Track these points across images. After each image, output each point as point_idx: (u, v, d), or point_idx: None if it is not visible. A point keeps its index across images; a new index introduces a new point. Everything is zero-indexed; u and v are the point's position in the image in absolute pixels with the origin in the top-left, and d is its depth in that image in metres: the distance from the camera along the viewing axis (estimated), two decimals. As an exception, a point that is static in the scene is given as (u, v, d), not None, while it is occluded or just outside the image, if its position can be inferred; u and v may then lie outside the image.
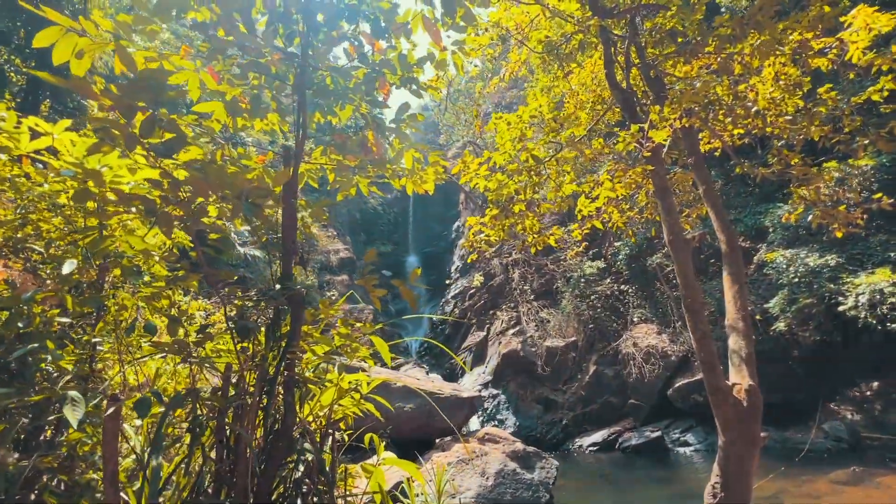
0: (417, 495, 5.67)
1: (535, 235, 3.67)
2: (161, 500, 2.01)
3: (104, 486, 1.54)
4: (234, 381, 2.23)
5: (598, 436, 14.07)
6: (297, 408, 2.24)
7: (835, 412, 11.39)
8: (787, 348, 11.90)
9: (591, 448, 13.89)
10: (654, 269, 15.32)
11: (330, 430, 2.49)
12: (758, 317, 11.17)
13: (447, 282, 29.28)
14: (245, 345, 2.21)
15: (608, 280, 16.68)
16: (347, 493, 2.71)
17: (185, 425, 2.40)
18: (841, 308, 8.20)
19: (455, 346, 22.91)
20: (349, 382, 2.66)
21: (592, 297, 16.27)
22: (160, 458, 1.76)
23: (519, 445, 8.89)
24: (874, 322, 7.94)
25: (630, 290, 15.93)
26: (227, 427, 2.02)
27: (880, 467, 8.76)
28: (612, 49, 3.17)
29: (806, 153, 12.82)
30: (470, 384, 18.89)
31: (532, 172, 3.32)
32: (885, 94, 3.65)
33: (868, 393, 11.08)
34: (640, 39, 3.18)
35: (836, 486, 8.19)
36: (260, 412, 2.11)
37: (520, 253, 21.82)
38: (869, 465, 8.92)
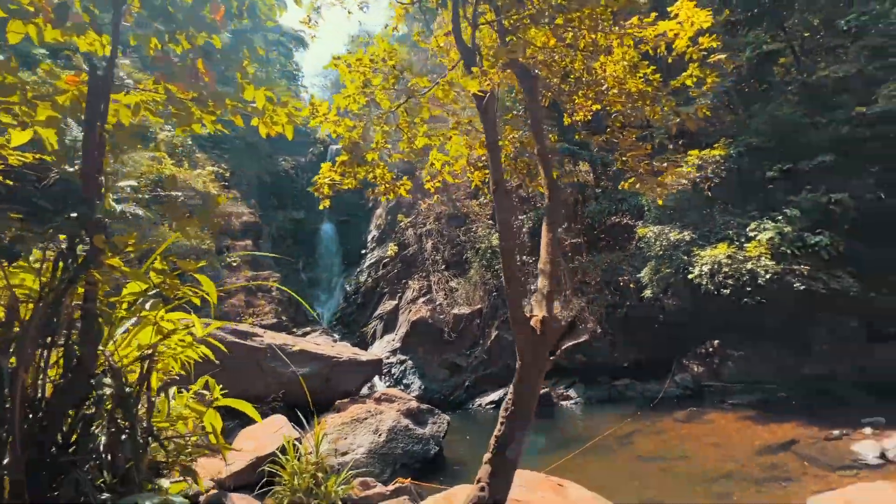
0: (303, 454, 5.73)
1: (387, 185, 3.77)
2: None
3: None
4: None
5: (496, 395, 15.16)
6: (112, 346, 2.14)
7: (686, 366, 13.43)
8: (654, 313, 13.69)
9: (489, 406, 14.95)
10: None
11: (150, 370, 2.42)
12: (632, 285, 12.63)
13: (363, 251, 28.91)
14: (19, 272, 2.04)
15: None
16: (175, 433, 2.68)
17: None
18: (689, 276, 9.60)
19: (368, 315, 22.95)
20: (180, 325, 2.58)
21: (498, 266, 17.15)
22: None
23: (413, 404, 9.31)
24: (713, 288, 9.44)
25: (531, 262, 17.04)
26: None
27: (711, 408, 10.60)
28: (463, 7, 3.29)
29: (686, 143, 14.30)
30: (379, 351, 19.16)
31: (381, 120, 3.37)
32: (695, 79, 4.25)
33: (710, 350, 13.20)
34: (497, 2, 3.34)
35: (676, 423, 9.78)
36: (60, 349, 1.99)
37: (434, 223, 22.18)
38: (704, 407, 10.76)
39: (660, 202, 4.96)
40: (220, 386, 4.04)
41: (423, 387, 16.61)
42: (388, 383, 17.22)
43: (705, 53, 3.89)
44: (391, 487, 5.18)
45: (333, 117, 3.11)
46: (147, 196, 17.45)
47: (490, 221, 19.34)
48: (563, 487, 4.05)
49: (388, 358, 18.51)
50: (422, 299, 19.07)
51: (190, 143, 23.38)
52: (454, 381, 16.57)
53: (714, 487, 6.33)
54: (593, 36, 3.65)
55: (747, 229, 9.39)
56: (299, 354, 9.15)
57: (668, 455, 7.93)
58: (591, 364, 14.09)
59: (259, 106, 2.74)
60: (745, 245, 9.14)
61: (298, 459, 5.37)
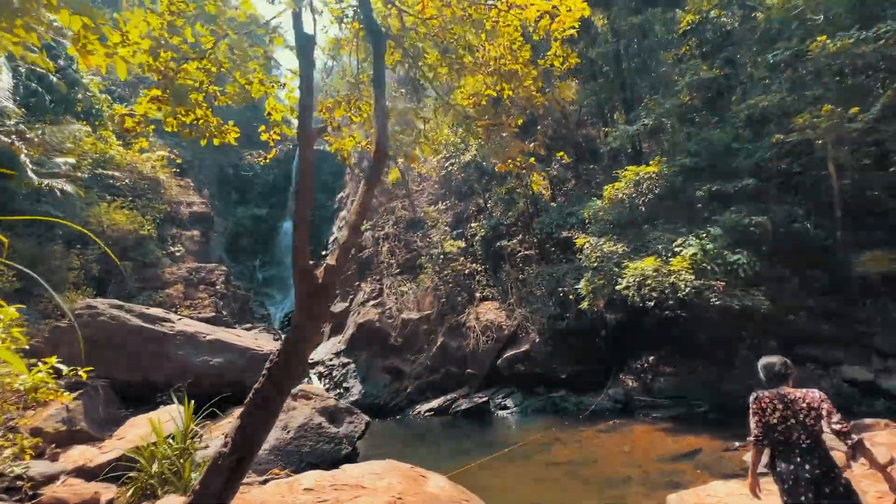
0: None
1: (212, 130, 3.59)
2: None
3: None
4: None
5: (436, 402, 14.93)
6: None
7: (621, 381, 13.58)
8: (594, 326, 13.85)
9: (427, 413, 14.68)
10: (502, 251, 16.61)
11: None
12: (571, 297, 12.75)
13: (323, 252, 28.39)
14: None
15: (466, 259, 17.65)
16: None
17: None
18: (617, 287, 9.74)
19: (318, 317, 22.41)
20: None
21: (449, 273, 17.08)
22: None
23: (331, 402, 9.00)
24: (639, 300, 9.60)
25: (481, 270, 17.06)
26: None
27: (635, 421, 10.70)
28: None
29: (630, 160, 14.65)
30: (324, 353, 18.67)
31: (196, 56, 3.21)
32: (560, 59, 4.31)
33: (645, 365, 13.41)
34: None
35: (597, 433, 9.81)
36: None
37: (392, 227, 21.99)
38: (628, 420, 10.85)
39: (534, 186, 4.92)
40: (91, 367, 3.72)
41: (363, 391, 16.22)
42: (327, 386, 16.74)
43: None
44: (263, 478, 4.89)
45: (147, 46, 2.88)
46: (86, 175, 16.67)
47: (446, 228, 19.34)
48: (424, 479, 3.89)
49: (330, 360, 18.04)
50: (372, 302, 18.76)
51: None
52: (395, 386, 16.25)
53: (609, 491, 6.32)
54: (471, 10, 3.65)
55: (674, 245, 9.63)
56: (213, 344, 8.74)
57: (578, 461, 7.91)
58: (531, 374, 14.07)
59: (74, 29, 2.50)
60: (670, 259, 9.36)
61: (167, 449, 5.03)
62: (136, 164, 18.96)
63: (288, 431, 7.90)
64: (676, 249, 9.51)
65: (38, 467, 4.72)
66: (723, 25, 13.94)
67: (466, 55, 3.80)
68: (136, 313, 8.26)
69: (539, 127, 17.79)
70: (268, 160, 4.64)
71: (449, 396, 14.99)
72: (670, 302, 9.26)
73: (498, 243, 16.79)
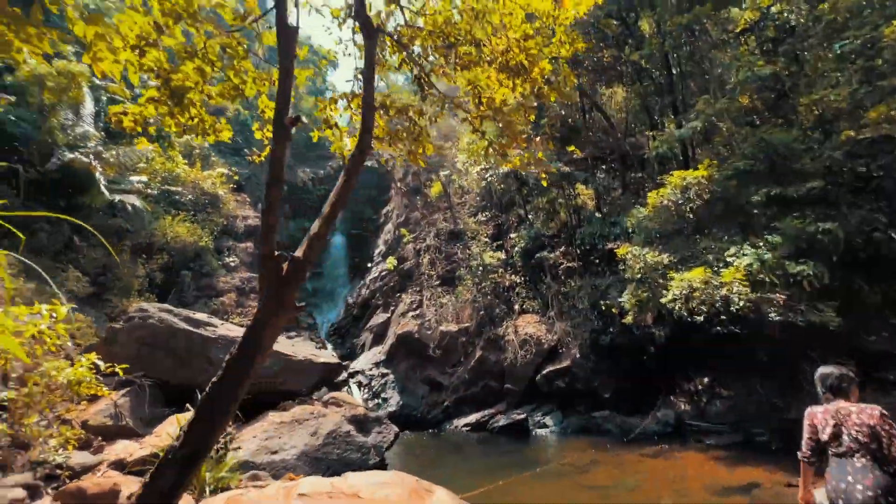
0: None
1: (209, 128, 3.65)
2: None
3: None
4: None
5: (473, 417, 14.60)
6: None
7: (671, 402, 12.58)
8: (641, 343, 12.99)
9: (464, 427, 14.38)
10: (543, 263, 16.12)
11: None
12: (614, 310, 12.07)
13: (369, 265, 29.05)
14: None
15: (505, 271, 17.32)
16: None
17: None
18: (662, 300, 9.06)
19: (361, 327, 22.81)
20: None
21: (488, 285, 16.82)
22: None
23: (360, 410, 9.01)
24: (687, 315, 8.85)
25: (521, 282, 16.64)
26: None
27: (685, 447, 9.81)
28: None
29: (680, 167, 13.86)
30: (364, 363, 18.91)
31: (188, 54, 3.26)
32: (567, 47, 4.02)
33: (699, 386, 12.35)
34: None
35: (641, 457, 9.07)
36: None
37: (434, 239, 22.10)
38: (678, 445, 9.97)
39: (543, 182, 4.63)
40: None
41: (401, 402, 16.18)
42: (365, 396, 16.89)
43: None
44: (280, 483, 4.91)
45: (133, 42, 2.93)
46: (156, 191, 18.22)
47: (486, 239, 19.11)
48: (430, 493, 3.69)
49: (370, 370, 18.22)
50: (412, 313, 18.82)
51: (207, 146, 24.39)
52: (433, 398, 16.07)
53: (646, 523, 5.75)
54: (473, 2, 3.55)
55: (726, 254, 8.84)
56: (251, 349, 9.07)
57: (616, 486, 7.31)
58: (571, 391, 13.40)
59: (88, 38, 2.66)
60: (721, 271, 8.59)
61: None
62: (198, 181, 20.47)
63: (317, 438, 7.98)
64: (729, 259, 8.72)
65: (79, 458, 5.04)
66: (786, 21, 12.91)
67: (472, 49, 3.71)
68: (182, 317, 8.77)
69: (545, 119, 17.29)
70: (262, 158, 4.71)
71: (487, 412, 14.60)
72: (722, 317, 8.46)
73: (538, 255, 16.34)
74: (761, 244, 8.58)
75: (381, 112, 3.79)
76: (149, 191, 17.27)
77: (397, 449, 12.17)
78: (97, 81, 16.68)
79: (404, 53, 3.82)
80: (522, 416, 13.59)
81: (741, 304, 7.97)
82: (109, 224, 14.90)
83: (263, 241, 2.96)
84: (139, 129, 3.50)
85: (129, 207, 15.02)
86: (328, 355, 10.68)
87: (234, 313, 17.34)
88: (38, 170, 11.99)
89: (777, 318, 7.91)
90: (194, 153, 23.49)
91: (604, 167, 19.23)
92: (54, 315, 5.13)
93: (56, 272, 11.76)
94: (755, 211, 9.17)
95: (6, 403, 4.80)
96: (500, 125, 3.90)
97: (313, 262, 3.26)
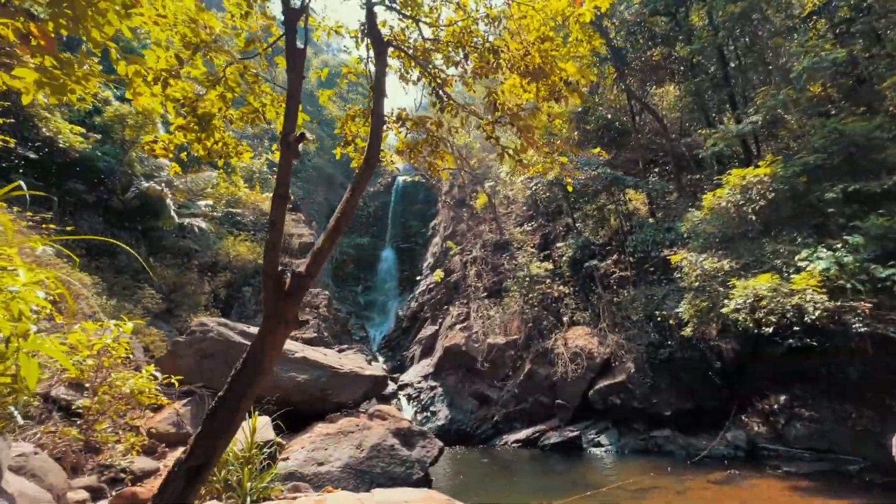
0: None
1: (232, 151, 3.77)
2: None
3: None
4: None
5: (524, 433, 14.16)
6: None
7: (743, 423, 11.46)
8: (705, 357, 12.01)
9: (514, 444, 13.98)
10: (593, 272, 15.45)
11: None
12: (671, 321, 11.29)
13: (418, 278, 29.43)
14: None
15: (553, 281, 16.81)
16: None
17: None
18: (723, 310, 8.31)
19: (411, 340, 23.03)
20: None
21: (536, 296, 16.39)
22: None
23: (405, 424, 9.00)
24: (753, 326, 8.04)
25: (570, 292, 16.05)
26: None
27: (759, 474, 8.84)
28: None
29: (742, 166, 12.89)
30: (413, 376, 19.02)
31: (210, 83, 3.40)
32: (586, 43, 3.75)
33: (775, 405, 11.16)
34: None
35: (707, 484, 8.28)
36: None
37: (480, 251, 21.97)
38: (751, 472, 9.01)
39: (569, 188, 4.37)
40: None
41: (449, 416, 16.04)
42: (415, 408, 16.92)
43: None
44: (320, 494, 4.99)
45: (155, 75, 3.13)
46: (220, 214, 19.68)
47: (533, 249, 18.68)
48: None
49: (419, 383, 18.27)
50: (459, 326, 18.73)
51: (266, 170, 25.99)
52: (483, 413, 15.78)
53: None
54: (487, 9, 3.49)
55: (797, 259, 7.97)
56: (300, 361, 9.40)
57: (675, 516, 6.70)
58: (627, 409, 12.60)
59: (129, 76, 2.92)
60: (792, 276, 7.75)
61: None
62: (258, 203, 21.84)
63: (361, 450, 8.06)
64: (801, 264, 7.86)
65: (141, 463, 5.43)
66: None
67: (489, 56, 3.64)
68: (238, 330, 9.29)
69: (591, 124, 16.58)
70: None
71: (538, 428, 14.09)
72: (795, 328, 7.60)
73: (587, 264, 15.71)
74: (839, 246, 7.67)
75: (399, 125, 3.83)
76: (214, 213, 18.66)
77: (446, 464, 12.03)
78: (171, 117, 18.36)
79: (419, 67, 3.85)
80: (575, 434, 12.97)
81: (816, 313, 7.12)
82: (180, 245, 16.22)
83: (265, 257, 3.04)
84: (171, 156, 3.78)
85: (197, 229, 16.22)
86: (375, 368, 10.83)
87: (289, 327, 18.11)
88: (119, 198, 13.34)
89: (863, 328, 6.97)
90: (255, 177, 25.12)
91: (656, 170, 18.25)
92: (122, 330, 5.59)
93: (134, 290, 12.92)
94: (830, 209, 8.22)
95: (80, 410, 5.29)
96: (518, 130, 3.79)
97: (315, 275, 3.31)
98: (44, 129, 11.27)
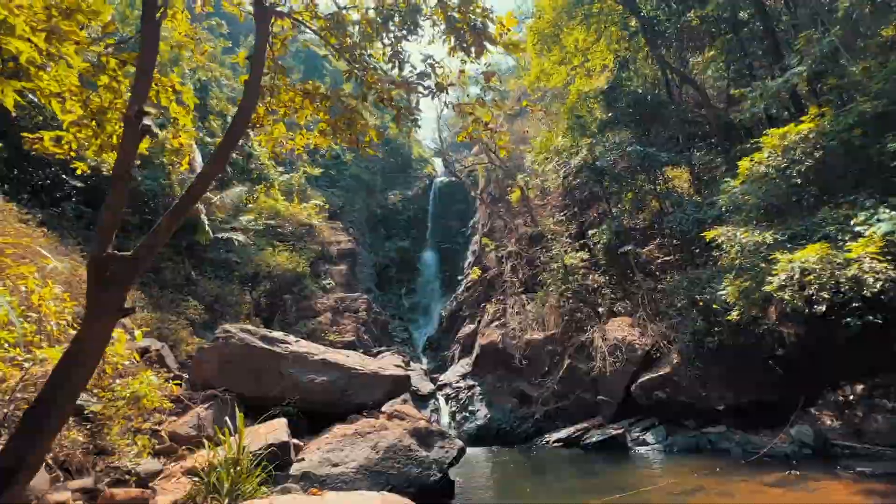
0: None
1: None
2: None
3: None
4: None
5: (565, 432, 13.46)
6: None
7: (813, 416, 10.10)
8: (762, 344, 10.72)
9: (556, 443, 13.33)
10: (630, 259, 14.41)
11: None
12: (715, 305, 10.22)
13: (459, 277, 29.24)
14: None
15: (589, 271, 15.91)
16: None
17: None
18: (766, 288, 7.30)
19: (451, 339, 22.82)
20: None
21: (571, 287, 15.58)
22: None
23: (422, 424, 8.79)
24: (802, 305, 6.99)
25: (607, 281, 15.09)
26: None
27: (829, 474, 7.68)
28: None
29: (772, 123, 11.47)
30: (451, 375, 18.76)
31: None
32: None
33: (851, 397, 9.74)
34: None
35: (762, 486, 7.31)
36: None
37: (515, 245, 21.33)
38: (818, 471, 7.85)
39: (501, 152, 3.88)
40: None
41: (488, 415, 15.62)
42: (453, 408, 16.66)
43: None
44: (308, 493, 4.91)
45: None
46: (261, 226, 20.66)
47: (567, 239, 17.78)
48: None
49: (457, 382, 17.98)
50: (495, 323, 18.27)
51: (304, 181, 26.95)
52: (522, 411, 15.21)
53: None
54: None
55: (854, 223, 6.83)
56: (319, 363, 9.50)
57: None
58: (674, 403, 11.56)
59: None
60: (848, 244, 6.65)
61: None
62: (295, 214, 22.69)
63: (377, 451, 7.95)
64: (859, 229, 6.73)
65: (148, 465, 5.65)
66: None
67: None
68: (259, 336, 9.57)
69: (623, 103, 15.28)
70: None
71: (580, 426, 13.32)
72: (854, 304, 6.51)
73: (622, 249, 14.67)
74: (906, 205, 6.48)
75: (310, 101, 3.64)
76: (254, 226, 19.58)
77: (479, 464, 11.66)
78: (208, 139, 19.48)
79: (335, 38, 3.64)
80: (619, 431, 12.11)
81: (878, 284, 6.03)
82: (223, 258, 17.12)
83: (94, 240, 2.91)
84: (68, 154, 3.82)
85: (236, 243, 17.03)
86: (395, 368, 10.73)
87: (329, 331, 18.58)
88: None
89: (938, 301, 5.81)
90: (294, 189, 26.11)
91: (701, 144, 16.71)
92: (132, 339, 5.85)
93: (178, 303, 13.76)
94: (893, 164, 6.97)
95: (90, 415, 5.60)
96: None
97: (146, 261, 3.08)
98: (89, 160, 12.34)
